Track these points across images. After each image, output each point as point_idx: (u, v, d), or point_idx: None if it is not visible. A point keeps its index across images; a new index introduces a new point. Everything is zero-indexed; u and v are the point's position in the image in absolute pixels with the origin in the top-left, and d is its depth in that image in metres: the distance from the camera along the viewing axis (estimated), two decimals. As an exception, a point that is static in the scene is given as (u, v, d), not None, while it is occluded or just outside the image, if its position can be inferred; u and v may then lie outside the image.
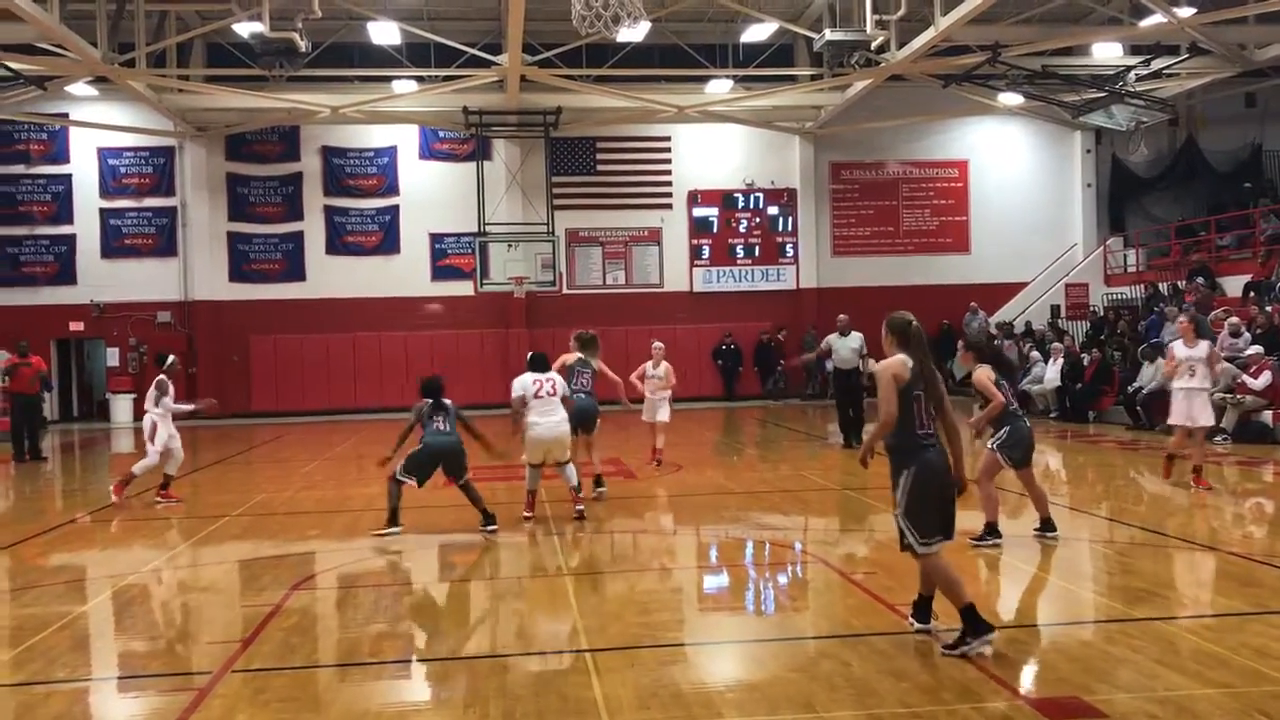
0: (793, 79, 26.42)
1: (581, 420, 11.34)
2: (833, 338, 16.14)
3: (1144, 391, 18.22)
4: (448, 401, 10.28)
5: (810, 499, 12.10)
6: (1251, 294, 21.16)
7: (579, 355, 11.93)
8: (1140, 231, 28.36)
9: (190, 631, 7.32)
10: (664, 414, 14.16)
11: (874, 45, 20.85)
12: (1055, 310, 27.35)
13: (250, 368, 26.59)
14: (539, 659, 6.12)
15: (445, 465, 10.12)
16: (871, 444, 6.14)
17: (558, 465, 10.60)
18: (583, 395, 11.59)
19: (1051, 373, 21.18)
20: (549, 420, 10.35)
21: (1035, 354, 22.48)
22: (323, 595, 8.13)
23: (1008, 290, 28.36)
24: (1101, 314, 25.59)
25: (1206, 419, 11.65)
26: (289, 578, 8.52)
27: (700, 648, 6.43)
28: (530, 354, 10.97)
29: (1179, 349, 11.68)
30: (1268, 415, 16.01)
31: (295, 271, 27.16)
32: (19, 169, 26.37)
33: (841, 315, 16.62)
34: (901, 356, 5.88)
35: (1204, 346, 11.59)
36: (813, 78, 25.86)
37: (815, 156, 28.44)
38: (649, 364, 14.35)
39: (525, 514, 10.48)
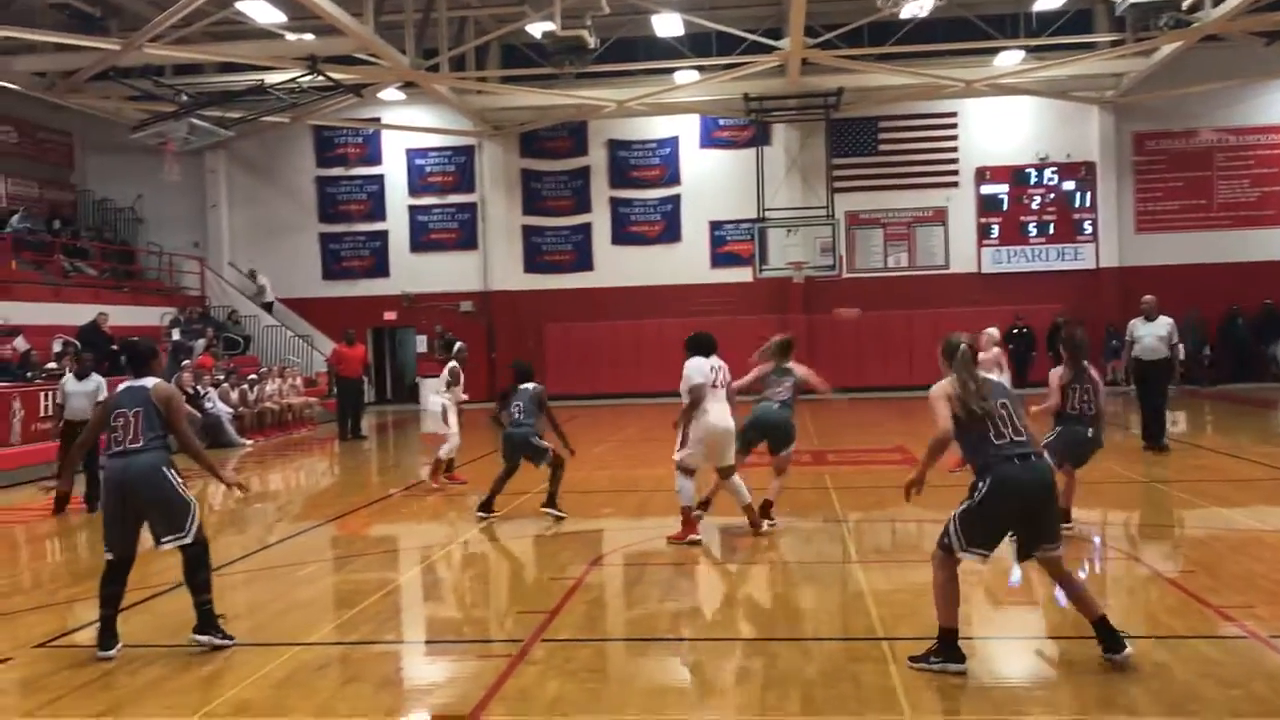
0: (1091, 46, 24.87)
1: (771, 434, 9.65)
2: (1136, 322, 14.17)
3: None
4: (528, 386, 10.42)
5: (1107, 492, 11.41)
6: None
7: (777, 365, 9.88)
8: None
9: (501, 601, 7.80)
10: None
11: (1185, 4, 19.29)
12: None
13: (544, 353, 27.85)
14: (834, 645, 6.11)
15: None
16: (927, 460, 5.62)
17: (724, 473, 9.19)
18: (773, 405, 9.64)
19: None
20: (719, 410, 8.98)
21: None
22: (620, 571, 8.43)
23: (1341, 266, 25.61)
24: None
25: None
26: (589, 553, 8.91)
27: (1002, 642, 6.22)
28: (694, 335, 9.30)
29: None
30: None
31: (584, 262, 28.24)
32: (339, 171, 28.76)
33: (1147, 296, 14.52)
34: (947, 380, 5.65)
35: None
36: (1113, 44, 24.25)
37: (1116, 127, 26.67)
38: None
39: (695, 536, 9.02)
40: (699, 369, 8.91)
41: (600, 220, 28.24)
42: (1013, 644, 6.21)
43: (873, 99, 26.32)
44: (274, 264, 28.32)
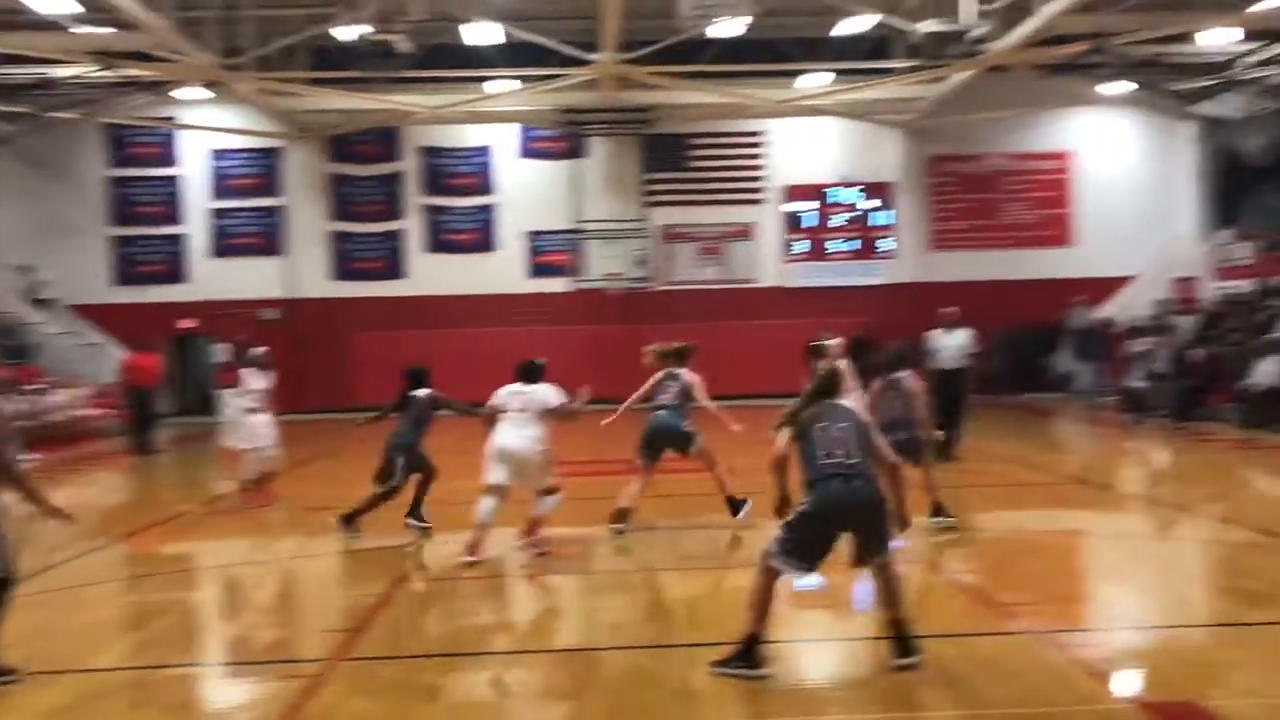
0: (889, 71, 26.07)
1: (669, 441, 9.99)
2: (937, 333, 14.46)
3: (1258, 389, 17.62)
4: (419, 393, 10.17)
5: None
6: (1374, 287, 20.32)
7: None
8: (1253, 223, 27.36)
9: (302, 620, 7.56)
10: None
11: (974, 36, 20.47)
12: (1162, 305, 26.56)
13: (352, 362, 27.18)
14: (638, 652, 6.17)
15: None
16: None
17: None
18: (663, 412, 10.03)
19: (1158, 368, 20.59)
20: (503, 430, 9.10)
21: (1138, 348, 21.88)
22: (426, 587, 8.31)
23: (1111, 284, 27.58)
24: (1212, 309, 24.79)
25: None
26: (396, 569, 8.73)
27: (800, 645, 6.42)
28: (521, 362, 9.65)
29: None
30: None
31: (396, 269, 27.70)
32: (134, 171, 27.30)
33: (947, 309, 14.84)
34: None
35: None
36: (910, 70, 25.48)
37: (913, 150, 28.03)
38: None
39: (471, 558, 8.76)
40: (498, 392, 9.28)
41: (413, 227, 27.76)
42: (814, 646, 6.42)
43: (684, 116, 26.83)
44: (61, 267, 26.64)
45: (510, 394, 9.21)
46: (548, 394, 9.19)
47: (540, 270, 27.69)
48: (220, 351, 27.24)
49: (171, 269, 27.33)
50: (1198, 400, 19.36)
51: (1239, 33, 23.11)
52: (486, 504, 8.82)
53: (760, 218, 27.93)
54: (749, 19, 19.64)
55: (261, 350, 13.10)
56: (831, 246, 28.00)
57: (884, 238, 28.03)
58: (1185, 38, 23.79)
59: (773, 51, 24.98)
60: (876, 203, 27.99)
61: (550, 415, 9.13)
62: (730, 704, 5.23)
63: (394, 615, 7.21)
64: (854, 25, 23.84)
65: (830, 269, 27.98)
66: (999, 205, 28.23)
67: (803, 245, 27.97)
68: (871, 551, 5.60)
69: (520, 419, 9.02)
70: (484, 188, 27.72)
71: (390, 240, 27.70)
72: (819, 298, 27.50)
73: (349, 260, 27.67)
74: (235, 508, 12.15)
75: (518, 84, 25.01)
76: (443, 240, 27.71)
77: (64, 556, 9.63)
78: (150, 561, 9.73)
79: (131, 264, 27.27)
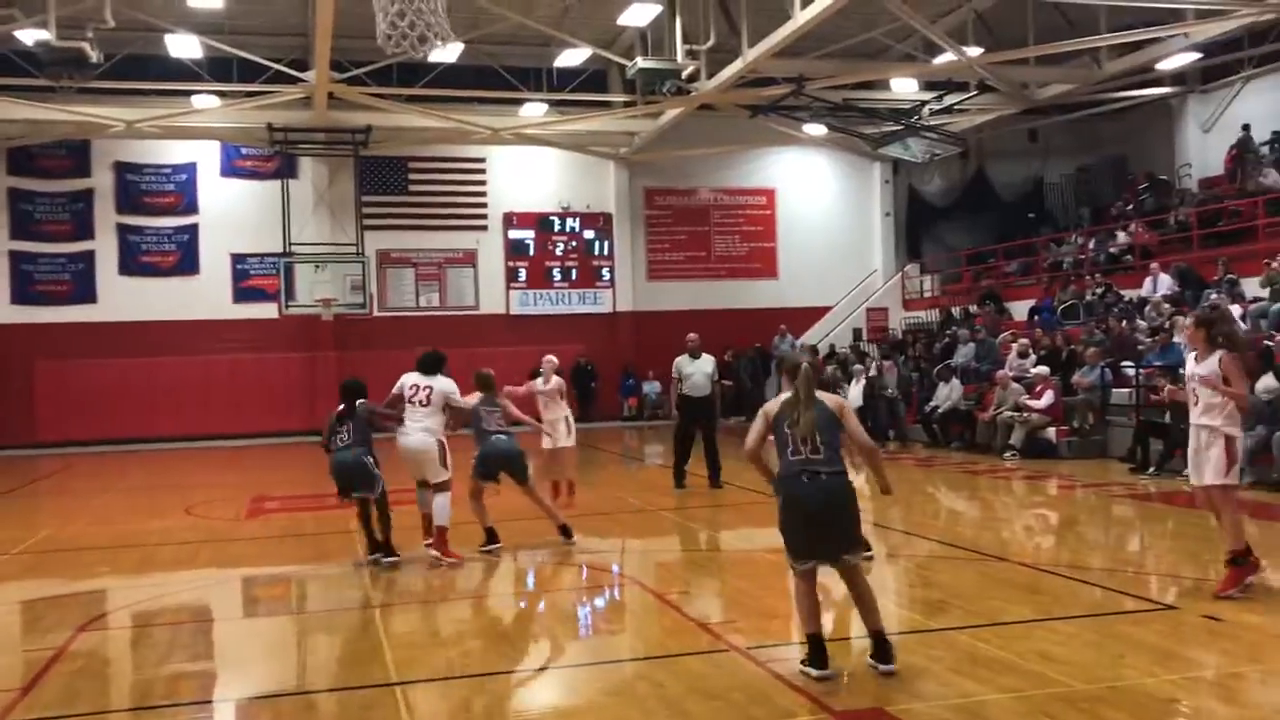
0: (606, 105, 26.72)
1: (508, 466, 9.81)
2: (683, 360, 14.09)
3: (939, 410, 19.20)
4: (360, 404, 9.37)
5: (628, 521, 12.16)
6: (1035, 317, 22.57)
7: (481, 395, 9.96)
8: (935, 258, 29.90)
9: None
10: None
11: (685, 74, 21.30)
12: (858, 334, 28.49)
13: (35, 394, 24.90)
14: (348, 694, 5.91)
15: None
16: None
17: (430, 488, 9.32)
18: (503, 437, 9.81)
19: (855, 393, 21.96)
20: (408, 426, 9.23)
21: (838, 375, 23.30)
22: (113, 636, 7.65)
23: (813, 314, 29.36)
24: (900, 337, 26.78)
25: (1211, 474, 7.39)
26: (76, 618, 7.98)
27: (514, 676, 6.36)
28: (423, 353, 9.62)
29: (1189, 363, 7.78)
30: (1051, 432, 17.05)
31: (86, 293, 25.63)
32: None
33: (692, 335, 14.49)
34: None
35: (1213, 361, 7.38)
36: (626, 104, 26.22)
37: (630, 182, 28.82)
38: (538, 381, 12.53)
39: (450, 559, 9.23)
40: (401, 382, 9.34)
41: (106, 248, 25.82)
42: (526, 677, 6.35)
43: (403, 139, 26.42)
44: None
45: (412, 385, 9.27)
46: (448, 386, 9.35)
47: (246, 294, 26.45)
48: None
49: None
50: (891, 422, 20.82)
51: (917, 84, 25.27)
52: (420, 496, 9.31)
53: (482, 244, 27.89)
54: (461, 46, 19.57)
55: None
56: (553, 275, 28.29)
57: (604, 267, 28.60)
58: (876, 85, 25.79)
59: (493, 79, 25.08)
60: (595, 232, 28.55)
61: (449, 409, 9.32)
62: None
63: (73, 667, 6.57)
64: (571, 58, 24.32)
65: (552, 296, 28.26)
66: (711, 237, 29.47)
67: (524, 273, 28.12)
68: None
69: (420, 412, 9.17)
70: (185, 207, 26.25)
71: (79, 261, 25.66)
72: (541, 325, 27.72)
73: (31, 282, 25.42)
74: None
75: (222, 100, 23.87)
76: (140, 262, 25.96)
77: None
78: None
79: None
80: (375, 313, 26.63)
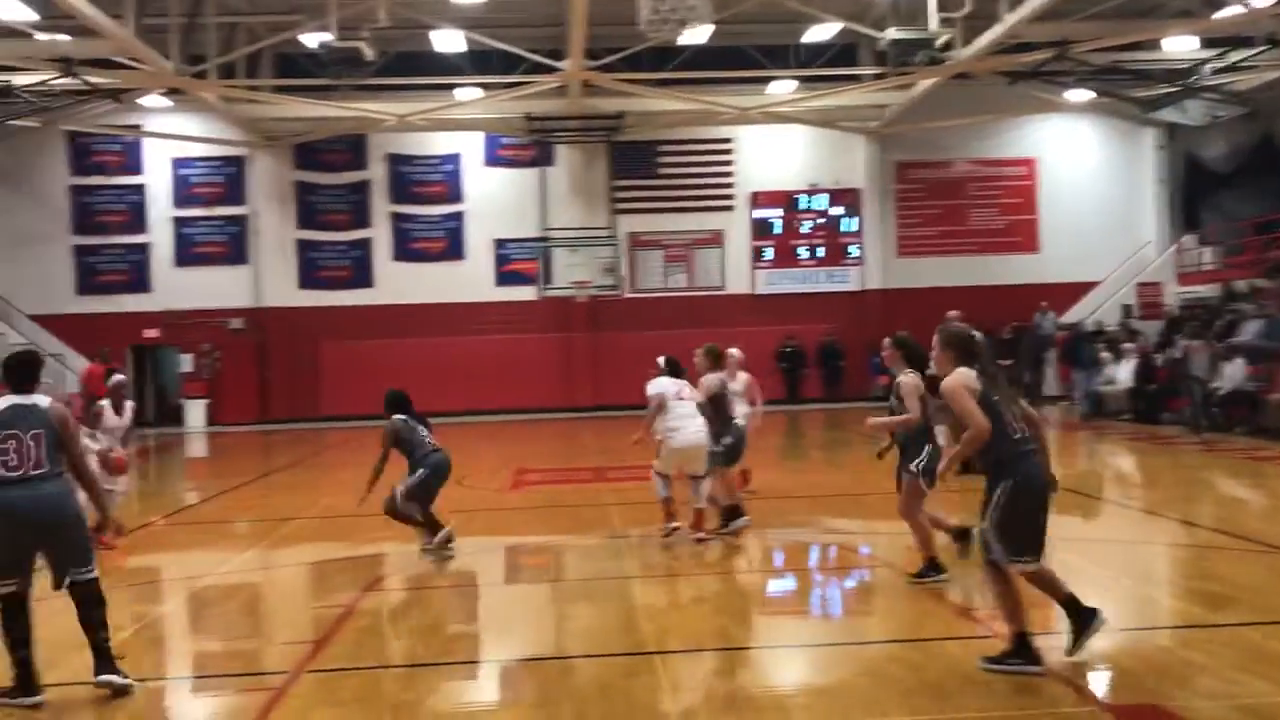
0: (856, 79, 26.19)
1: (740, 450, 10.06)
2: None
3: (1221, 392, 17.79)
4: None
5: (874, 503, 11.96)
6: (1332, 291, 20.55)
7: (719, 376, 9.97)
8: (1215, 228, 27.65)
9: (265, 632, 7.45)
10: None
11: (939, 43, 20.59)
12: (1127, 310, 26.79)
13: (320, 372, 26.97)
14: (608, 660, 6.12)
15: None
16: (959, 459, 5.63)
17: (694, 479, 9.44)
18: (739, 422, 10.15)
19: (1124, 374, 20.76)
20: (691, 426, 9.36)
21: (1106, 354, 22.05)
22: (394, 597, 8.22)
23: (1078, 290, 27.82)
24: (1176, 314, 25.03)
25: None
26: (361, 580, 8.64)
27: (766, 651, 6.40)
28: (665, 358, 9.97)
29: None
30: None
31: (363, 278, 27.53)
32: (97, 180, 27.02)
33: (952, 312, 13.71)
34: (965, 370, 5.53)
35: None
36: (876, 77, 25.61)
37: (880, 156, 28.17)
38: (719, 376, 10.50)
39: (674, 525, 9.46)
40: (659, 385, 9.56)
41: (381, 236, 27.62)
42: (781, 653, 6.40)
43: (652, 123, 26.85)
44: (22, 277, 26.31)
45: (675, 389, 9.55)
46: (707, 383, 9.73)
47: (507, 278, 27.63)
48: (185, 361, 27.05)
49: (134, 278, 27.06)
50: (1161, 405, 19.53)
51: (1197, 40, 23.42)
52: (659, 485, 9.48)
53: (728, 225, 28.00)
54: (712, 27, 19.64)
55: (119, 380, 11.20)
56: (799, 253, 28.07)
57: (852, 244, 28.13)
58: (1147, 45, 24.06)
59: (740, 59, 25.06)
60: (844, 209, 28.09)
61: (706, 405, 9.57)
62: (702, 715, 5.20)
63: (360, 625, 7.11)
64: (820, 33, 23.97)
65: (798, 275, 28.05)
66: (966, 211, 28.42)
67: (771, 252, 28.04)
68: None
69: (695, 408, 9.46)
70: (451, 196, 27.65)
71: (357, 249, 27.56)
72: (787, 304, 27.60)
73: (315, 269, 27.49)
74: (203, 516, 11.98)
75: (484, 92, 24.94)
76: (410, 249, 27.59)
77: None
78: (114, 574, 9.56)
79: (94, 273, 26.98)
80: (626, 294, 27.25)
